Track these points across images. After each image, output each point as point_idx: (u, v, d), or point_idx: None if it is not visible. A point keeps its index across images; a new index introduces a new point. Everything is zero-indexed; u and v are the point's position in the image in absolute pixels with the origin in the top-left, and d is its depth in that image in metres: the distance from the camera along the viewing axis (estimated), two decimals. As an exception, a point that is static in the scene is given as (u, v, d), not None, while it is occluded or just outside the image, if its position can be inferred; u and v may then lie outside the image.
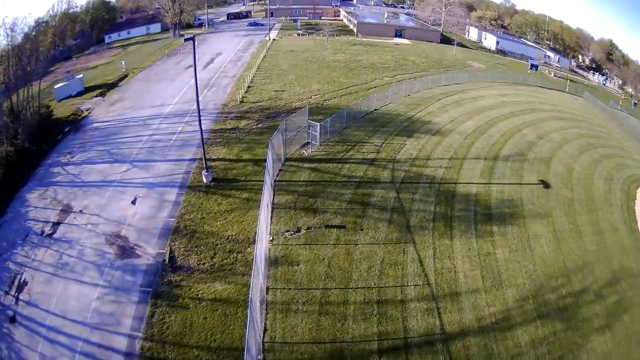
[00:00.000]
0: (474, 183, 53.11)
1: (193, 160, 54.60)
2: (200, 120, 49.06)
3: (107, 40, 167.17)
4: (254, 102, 75.11)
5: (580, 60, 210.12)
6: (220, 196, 47.84)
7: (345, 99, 78.15)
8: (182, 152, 56.86)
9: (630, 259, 46.83)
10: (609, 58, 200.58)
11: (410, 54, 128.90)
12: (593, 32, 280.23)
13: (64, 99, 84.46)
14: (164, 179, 51.10)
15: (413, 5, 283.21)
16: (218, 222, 43.78)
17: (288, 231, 42.40)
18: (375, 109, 72.64)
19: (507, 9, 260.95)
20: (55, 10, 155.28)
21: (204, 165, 49.97)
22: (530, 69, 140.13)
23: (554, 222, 48.91)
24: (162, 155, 56.75)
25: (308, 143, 57.82)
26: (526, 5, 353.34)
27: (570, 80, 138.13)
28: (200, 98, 72.64)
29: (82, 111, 75.39)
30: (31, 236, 42.88)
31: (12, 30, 78.84)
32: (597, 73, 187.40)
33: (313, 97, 78.88)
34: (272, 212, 44.76)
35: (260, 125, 65.43)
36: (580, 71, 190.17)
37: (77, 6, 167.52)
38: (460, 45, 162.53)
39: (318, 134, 56.93)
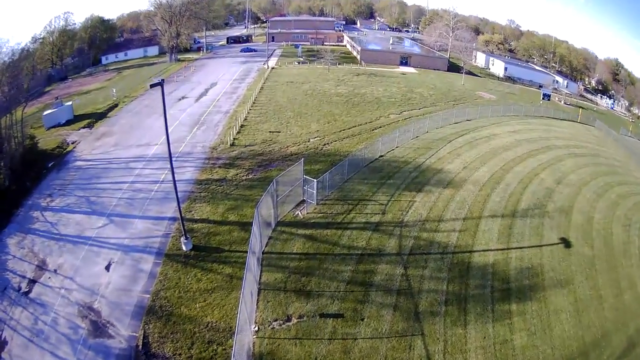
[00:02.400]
0: (491, 250, 46.31)
1: (173, 219, 48.40)
2: (176, 187, 43.04)
3: (104, 61, 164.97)
4: (245, 146, 68.64)
5: (587, 82, 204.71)
6: (200, 270, 41.33)
7: (347, 143, 71.45)
8: (162, 208, 50.90)
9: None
10: (615, 78, 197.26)
11: (417, 85, 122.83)
12: (598, 51, 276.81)
13: (53, 127, 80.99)
14: (140, 243, 45.25)
15: (418, 29, 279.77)
16: (197, 305, 37.34)
17: (276, 320, 35.55)
18: (381, 156, 65.73)
19: (512, 31, 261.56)
20: (53, 26, 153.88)
21: (183, 231, 43.90)
22: (543, 99, 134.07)
23: (575, 290, 42.84)
24: (141, 209, 51.19)
25: (304, 201, 50.82)
26: (530, 26, 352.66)
27: (581, 107, 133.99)
28: (188, 138, 69.77)
29: (67, 144, 71.74)
30: (9, 290, 39.71)
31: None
32: (605, 96, 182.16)
33: (311, 140, 72.12)
34: (258, 294, 38.03)
35: (250, 176, 58.89)
36: (588, 95, 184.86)
37: (75, 23, 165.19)
38: (469, 73, 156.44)
39: (315, 192, 50.07)
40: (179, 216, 44.24)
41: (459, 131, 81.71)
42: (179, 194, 48.99)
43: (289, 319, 35.68)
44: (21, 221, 49.69)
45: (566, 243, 49.54)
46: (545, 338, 36.58)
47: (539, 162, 71.39)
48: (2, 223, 49.06)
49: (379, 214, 50.15)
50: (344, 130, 77.59)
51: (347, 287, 39.36)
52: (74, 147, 70.06)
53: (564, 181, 65.14)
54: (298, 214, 49.16)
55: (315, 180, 49.54)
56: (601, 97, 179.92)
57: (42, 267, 42.14)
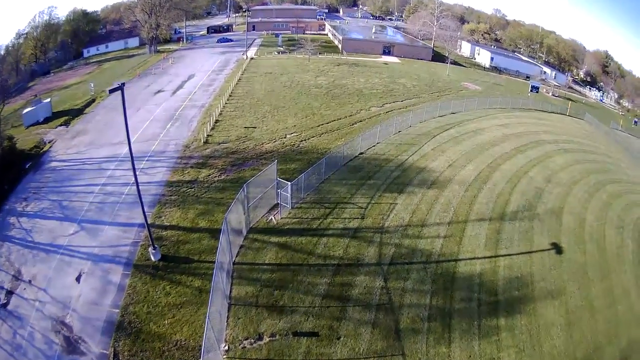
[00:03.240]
0: (478, 258, 43.71)
1: (143, 226, 45.10)
2: (141, 199, 40.13)
3: (85, 54, 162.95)
4: (219, 143, 65.47)
5: (575, 73, 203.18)
6: (169, 282, 38.79)
7: (325, 139, 68.43)
8: (132, 213, 48.16)
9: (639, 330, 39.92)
10: (604, 70, 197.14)
11: (401, 76, 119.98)
12: (587, 42, 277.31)
13: (32, 125, 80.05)
14: (109, 252, 43.16)
15: (401, 17, 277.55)
16: (166, 321, 34.92)
17: (247, 339, 33.00)
18: (361, 153, 62.64)
19: (498, 20, 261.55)
20: (37, 21, 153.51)
21: (150, 241, 41.32)
22: (531, 91, 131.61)
23: (567, 301, 40.76)
24: (111, 215, 48.87)
25: (278, 205, 47.77)
26: (517, 16, 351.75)
27: (570, 100, 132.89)
28: (162, 135, 67.05)
29: (44, 143, 70.31)
30: (-12, 302, 38.18)
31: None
32: (594, 88, 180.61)
33: (288, 135, 69.04)
34: (228, 310, 35.44)
35: (223, 176, 55.80)
36: (577, 87, 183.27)
37: (59, 17, 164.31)
38: (454, 63, 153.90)
39: (289, 195, 47.06)
40: (149, 221, 42.68)
41: (443, 125, 78.94)
42: (149, 197, 49.86)
43: (260, 338, 33.23)
44: (-1, 228, 48.54)
45: (557, 249, 47.33)
46: (534, 355, 34.56)
47: (528, 158, 69.12)
48: (-19, 229, 47.48)
49: (357, 218, 47.35)
50: (322, 124, 74.75)
51: (323, 301, 36.73)
52: (50, 147, 68.35)
53: (553, 179, 62.98)
54: (272, 219, 46.35)
55: (289, 184, 46.58)
56: (590, 89, 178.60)
57: (17, 277, 40.82)
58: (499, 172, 62.11)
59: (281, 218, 46.49)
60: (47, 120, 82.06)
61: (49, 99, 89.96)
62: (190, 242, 43.64)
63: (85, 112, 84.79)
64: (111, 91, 34.93)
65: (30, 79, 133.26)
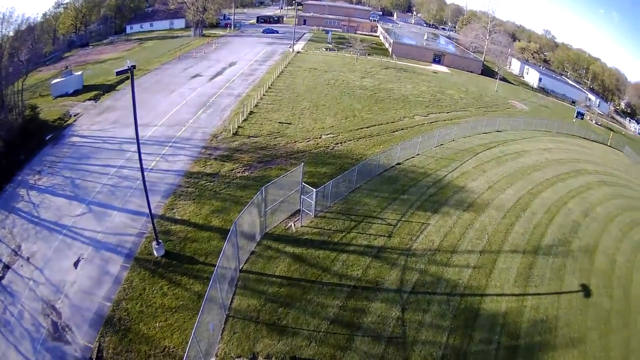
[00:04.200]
0: (505, 295, 39.42)
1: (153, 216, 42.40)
2: (147, 191, 38.44)
3: (128, 30, 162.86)
4: (249, 137, 62.23)
5: (616, 103, 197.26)
6: (168, 282, 36.02)
7: (362, 144, 64.46)
8: (143, 202, 44.09)
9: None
10: None
11: (449, 87, 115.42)
12: (628, 73, 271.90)
13: (60, 96, 79.09)
14: (113, 240, 40.98)
15: (454, 28, 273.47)
16: (157, 324, 32.37)
17: (240, 357, 29.88)
18: (398, 163, 58.66)
19: (547, 41, 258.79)
20: None
21: (154, 235, 38.69)
22: (576, 117, 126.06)
23: (586, 350, 36.33)
24: (121, 200, 46.72)
25: (300, 211, 44.13)
26: (565, 39, 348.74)
27: (612, 130, 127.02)
28: (191, 122, 64.92)
29: (70, 116, 69.23)
30: (-17, 273, 37.82)
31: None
32: (633, 120, 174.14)
33: (324, 136, 65.39)
34: (225, 322, 32.29)
35: (247, 173, 52.57)
36: (618, 117, 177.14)
37: None
38: (503, 79, 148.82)
39: (313, 203, 43.49)
40: (160, 213, 43.42)
41: (487, 143, 74.45)
42: (165, 186, 48.61)
43: (254, 357, 30.09)
44: (7, 198, 47.81)
45: (586, 291, 42.93)
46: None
47: (568, 188, 64.46)
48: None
49: (384, 236, 43.32)
50: (362, 128, 70.71)
51: (330, 326, 33.08)
52: (74, 120, 67.10)
53: (591, 214, 58.26)
54: (291, 226, 42.82)
55: (314, 190, 43.05)
56: (630, 121, 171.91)
57: (17, 252, 40.02)
58: (539, 199, 57.72)
59: (301, 226, 42.99)
60: (76, 92, 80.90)
61: (80, 72, 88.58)
62: (199, 241, 40.69)
63: (117, 88, 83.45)
64: (118, 73, 31.82)
65: (67, 50, 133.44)
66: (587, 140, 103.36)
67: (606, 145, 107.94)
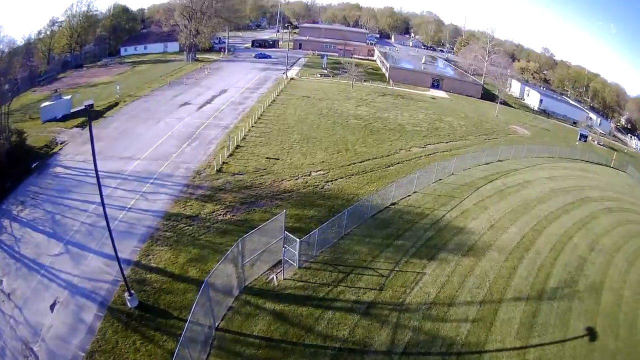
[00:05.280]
0: (506, 349, 35.85)
1: (128, 262, 40.68)
2: (115, 249, 35.38)
3: (122, 52, 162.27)
4: (233, 174, 58.97)
5: (617, 120, 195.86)
6: (140, 337, 33.31)
7: (355, 181, 61.02)
8: (120, 245, 41.11)
9: None
10: None
11: (448, 113, 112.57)
12: (627, 86, 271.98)
13: (49, 120, 78.33)
14: (88, 286, 38.98)
15: (453, 49, 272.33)
16: None
17: None
18: (393, 203, 55.13)
19: (547, 60, 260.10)
20: (74, 10, 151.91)
21: (126, 287, 36.16)
22: (579, 139, 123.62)
23: None
24: (98, 242, 44.34)
25: (283, 261, 40.41)
26: (564, 55, 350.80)
27: (614, 150, 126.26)
28: (174, 156, 63.11)
29: (56, 143, 68.88)
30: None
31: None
32: (634, 136, 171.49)
33: (313, 173, 61.90)
34: (196, 392, 28.71)
35: (228, 215, 49.25)
36: (619, 134, 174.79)
37: (98, 10, 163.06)
38: (503, 103, 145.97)
39: (297, 254, 39.99)
40: (135, 259, 41.43)
41: (488, 175, 71.18)
42: (142, 229, 46.18)
43: None
44: (-6, 228, 46.63)
45: (592, 335, 39.73)
46: None
47: (573, 220, 61.36)
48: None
49: (375, 289, 39.67)
50: (355, 163, 67.24)
51: (311, 400, 29.22)
52: (60, 149, 66.50)
53: (597, 246, 55.36)
54: (273, 278, 39.24)
55: (297, 240, 39.53)
56: (631, 137, 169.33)
57: None
58: (543, 236, 54.45)
59: (284, 279, 39.42)
60: (65, 118, 79.25)
61: (70, 96, 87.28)
62: (174, 293, 37.58)
63: (104, 115, 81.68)
64: (75, 112, 28.73)
65: (62, 70, 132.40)
66: (590, 163, 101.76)
67: (609, 167, 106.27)
